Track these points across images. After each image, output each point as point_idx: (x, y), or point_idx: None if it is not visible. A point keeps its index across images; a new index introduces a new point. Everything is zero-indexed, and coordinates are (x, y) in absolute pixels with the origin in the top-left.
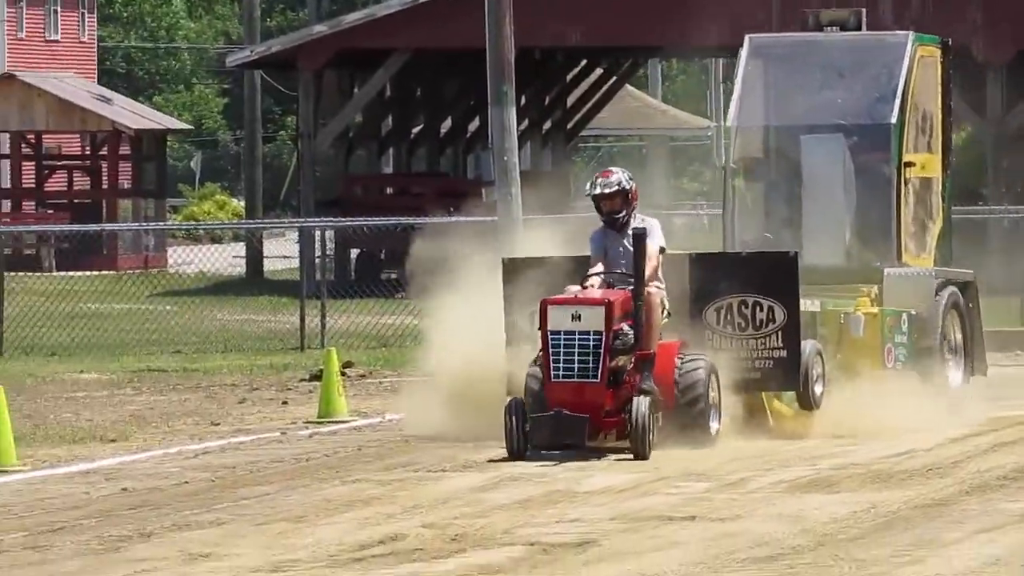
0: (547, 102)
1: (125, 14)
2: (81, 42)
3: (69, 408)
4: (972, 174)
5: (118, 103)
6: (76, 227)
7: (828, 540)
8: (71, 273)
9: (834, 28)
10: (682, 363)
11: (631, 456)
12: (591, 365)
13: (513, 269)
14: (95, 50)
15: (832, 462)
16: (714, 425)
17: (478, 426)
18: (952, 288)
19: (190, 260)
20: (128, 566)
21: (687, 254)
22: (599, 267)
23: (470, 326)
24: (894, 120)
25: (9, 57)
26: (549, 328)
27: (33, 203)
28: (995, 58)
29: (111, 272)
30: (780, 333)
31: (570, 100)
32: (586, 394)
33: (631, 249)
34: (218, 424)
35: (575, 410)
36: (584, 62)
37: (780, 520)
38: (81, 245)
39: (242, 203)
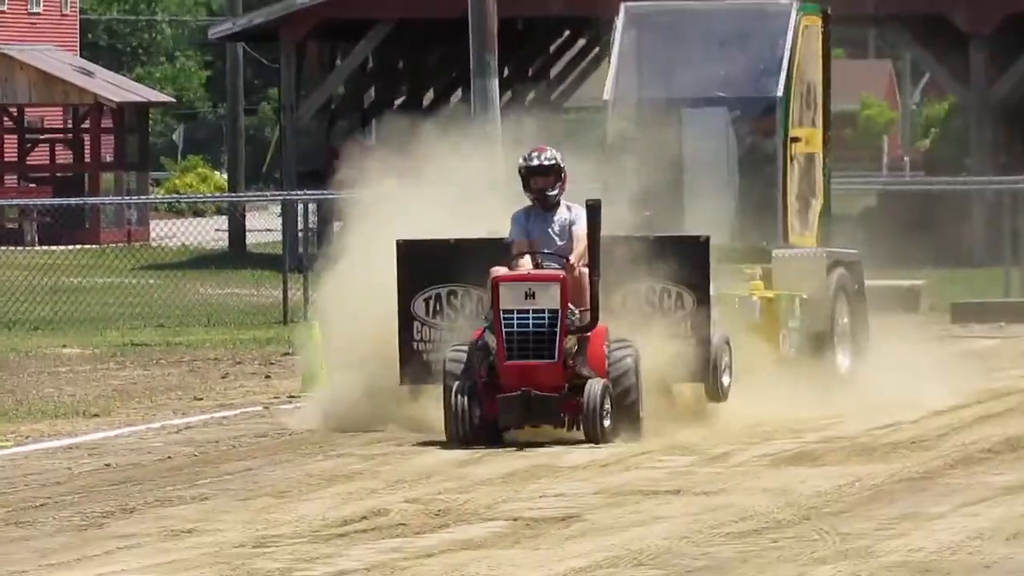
0: (530, 73)
1: None
2: (63, 15)
3: (52, 383)
4: (956, 145)
5: (100, 76)
6: (58, 201)
7: (813, 514)
8: (53, 247)
9: None
10: (610, 351)
11: (583, 441)
12: (547, 344)
13: (408, 252)
14: (77, 23)
15: (817, 435)
16: (642, 414)
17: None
18: (841, 269)
19: (173, 233)
20: (111, 542)
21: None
22: (525, 248)
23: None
24: (780, 93)
25: None
26: (502, 306)
27: (15, 177)
28: (979, 27)
29: (94, 246)
30: (689, 322)
31: (553, 71)
32: (543, 375)
33: (556, 231)
34: (201, 399)
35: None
36: (567, 32)
37: (765, 494)
38: (63, 219)
39: (225, 176)
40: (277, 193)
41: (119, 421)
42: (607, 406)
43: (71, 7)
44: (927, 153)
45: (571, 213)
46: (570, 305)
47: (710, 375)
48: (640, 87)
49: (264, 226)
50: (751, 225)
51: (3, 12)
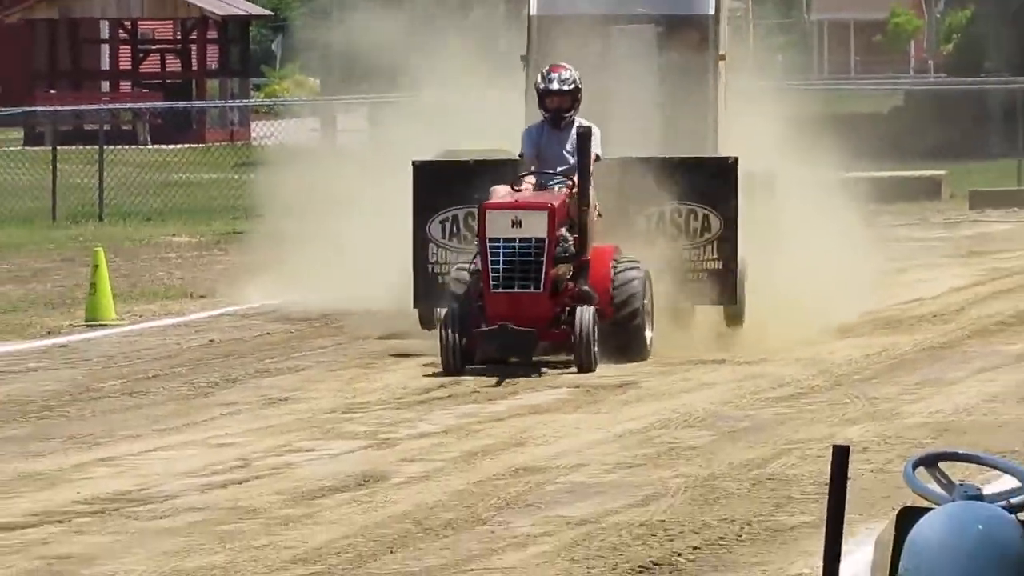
0: None
1: None
2: None
3: (162, 268)
4: (976, 50)
5: None
6: (168, 104)
7: (843, 380)
8: (164, 146)
9: None
10: (616, 272)
11: (575, 370)
12: (532, 273)
13: (424, 173)
14: None
15: (847, 311)
16: (649, 335)
17: None
18: (768, 188)
19: (271, 133)
20: (215, 409)
21: (618, 159)
22: (533, 167)
23: None
24: (712, 10)
25: None
26: (488, 235)
27: (129, 84)
28: None
29: (200, 145)
30: (716, 243)
31: None
32: (528, 305)
33: (569, 150)
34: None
35: (517, 322)
36: None
37: (799, 363)
38: (173, 121)
39: (318, 81)
40: (364, 97)
41: (223, 302)
42: (596, 334)
43: None
44: (949, 57)
45: (588, 125)
46: (563, 231)
47: (736, 298)
48: (564, 3)
49: (354, 127)
50: (682, 143)
51: None
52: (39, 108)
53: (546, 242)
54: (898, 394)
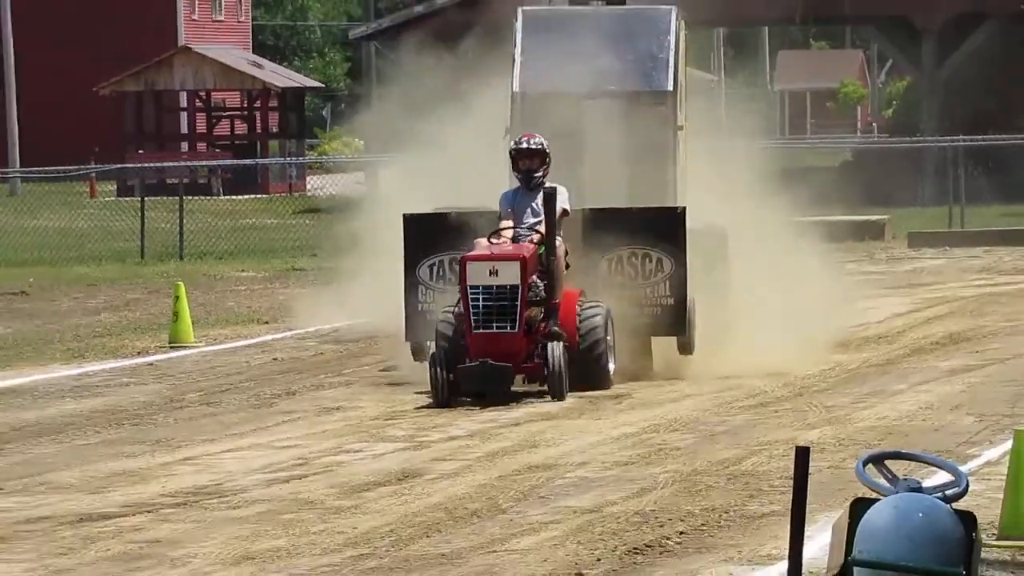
0: None
1: (272, 0)
2: (239, 21)
3: (233, 298)
4: (912, 113)
5: (268, 67)
6: (237, 162)
7: (804, 391)
8: (234, 197)
9: (599, 2)
10: (581, 312)
11: (548, 399)
12: (509, 316)
13: (413, 224)
14: (250, 27)
15: (805, 334)
16: (611, 366)
17: None
18: (721, 240)
19: (323, 186)
20: (278, 416)
21: (580, 209)
22: (509, 223)
23: None
24: (671, 87)
25: (186, 33)
26: (469, 282)
27: (205, 144)
28: (929, 25)
29: (264, 196)
30: (668, 282)
31: None
32: (505, 343)
33: (538, 208)
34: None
35: (495, 358)
36: None
37: (768, 377)
38: (241, 175)
39: (361, 142)
40: (394, 156)
41: (283, 327)
42: (566, 366)
43: (245, 15)
44: (890, 120)
45: (553, 191)
46: (534, 278)
47: (686, 329)
48: (542, 82)
49: (394, 179)
50: (644, 195)
51: (195, 20)
52: (129, 165)
53: (519, 288)
54: (850, 403)
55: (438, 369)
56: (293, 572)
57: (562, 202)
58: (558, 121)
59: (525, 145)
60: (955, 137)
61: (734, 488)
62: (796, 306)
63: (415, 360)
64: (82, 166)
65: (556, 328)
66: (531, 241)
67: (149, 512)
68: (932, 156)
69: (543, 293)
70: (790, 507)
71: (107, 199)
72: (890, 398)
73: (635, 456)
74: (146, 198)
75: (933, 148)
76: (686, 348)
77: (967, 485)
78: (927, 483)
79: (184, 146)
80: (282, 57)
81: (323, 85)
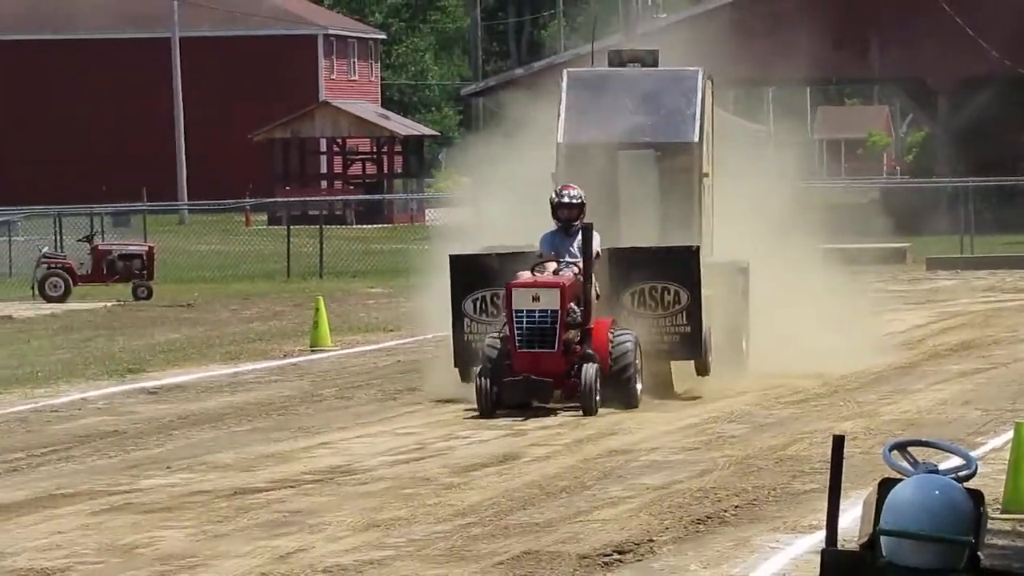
0: None
1: (397, 63)
2: (370, 80)
3: (363, 310)
4: (929, 158)
5: (394, 119)
6: (367, 197)
7: (840, 389)
8: (364, 226)
9: (635, 64)
10: (614, 336)
11: (580, 413)
12: (549, 337)
13: (459, 263)
14: (379, 85)
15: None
16: (639, 387)
17: None
18: (742, 275)
19: (439, 217)
20: (401, 408)
21: (607, 249)
22: (551, 257)
23: None
24: (696, 138)
25: (325, 90)
26: (514, 307)
27: (340, 182)
28: (943, 86)
29: (389, 225)
30: (685, 312)
31: None
32: (545, 361)
33: (574, 250)
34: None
35: (537, 375)
36: None
37: (808, 378)
38: (370, 208)
39: (469, 180)
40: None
41: (406, 334)
42: (598, 385)
43: (375, 75)
44: (910, 164)
45: (590, 222)
46: (571, 305)
47: (702, 354)
48: (584, 133)
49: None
50: (673, 242)
51: (333, 79)
52: (278, 200)
53: (559, 312)
54: (877, 399)
55: (485, 381)
56: (412, 537)
57: (596, 246)
58: (597, 168)
59: (566, 200)
60: (965, 179)
61: (780, 469)
62: (831, 318)
63: (463, 382)
64: (239, 200)
65: (589, 351)
66: (573, 273)
67: (292, 487)
68: (946, 194)
69: (579, 318)
70: (827, 486)
71: (259, 228)
72: (911, 395)
73: (698, 443)
74: (291, 227)
75: (947, 187)
76: (703, 370)
77: (976, 468)
78: (943, 466)
79: (323, 184)
80: (405, 110)
81: (439, 133)
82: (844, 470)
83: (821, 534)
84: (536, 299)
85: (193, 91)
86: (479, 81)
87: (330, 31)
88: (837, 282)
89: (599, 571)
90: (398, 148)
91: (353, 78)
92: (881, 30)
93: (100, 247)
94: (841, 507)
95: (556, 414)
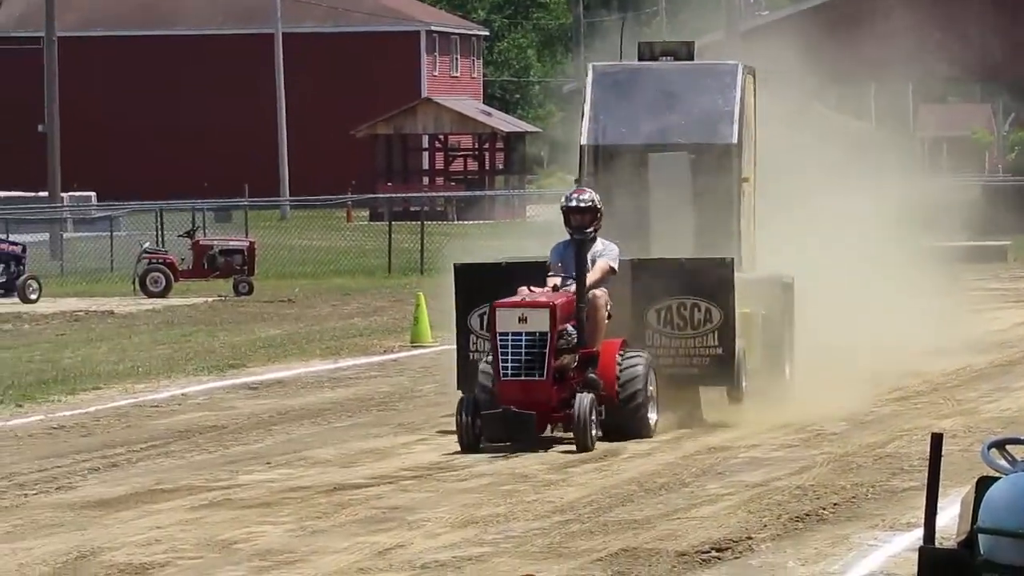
0: None
1: (499, 59)
2: (472, 77)
3: None
4: None
5: (495, 115)
6: (469, 193)
7: (940, 387)
8: (465, 222)
9: (668, 57)
10: (623, 359)
11: (574, 448)
12: (537, 363)
13: (464, 274)
14: (481, 82)
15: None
16: (652, 416)
17: None
18: (785, 290)
19: (540, 213)
20: None
21: (630, 260)
22: (556, 274)
23: None
24: (735, 140)
25: (428, 87)
26: (498, 329)
27: (442, 178)
28: None
29: (491, 221)
30: (716, 332)
31: None
32: (533, 391)
33: (590, 260)
34: None
35: (523, 406)
36: None
37: (908, 376)
38: (472, 205)
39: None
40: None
41: None
42: (593, 417)
43: (477, 72)
44: (1012, 161)
45: (603, 248)
46: (567, 326)
47: (734, 379)
48: (610, 134)
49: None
50: (708, 254)
51: (435, 76)
52: (380, 195)
53: (549, 335)
54: (977, 397)
55: (464, 415)
56: (510, 534)
57: (611, 259)
58: (625, 173)
59: (575, 203)
60: None
61: (879, 467)
62: (932, 316)
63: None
64: (340, 196)
65: (593, 376)
66: (566, 290)
67: (391, 483)
68: None
69: (574, 340)
70: (926, 483)
71: (360, 223)
72: (1011, 393)
73: (797, 440)
74: (392, 223)
75: None
76: (736, 398)
77: None
78: None
79: (425, 180)
80: (507, 107)
81: (541, 130)
82: (943, 468)
83: (919, 532)
84: (523, 320)
85: (295, 87)
86: (577, 77)
87: (433, 27)
88: (938, 281)
89: (697, 568)
90: (500, 145)
91: (455, 74)
92: (984, 27)
93: (201, 242)
94: (939, 505)
95: (548, 449)
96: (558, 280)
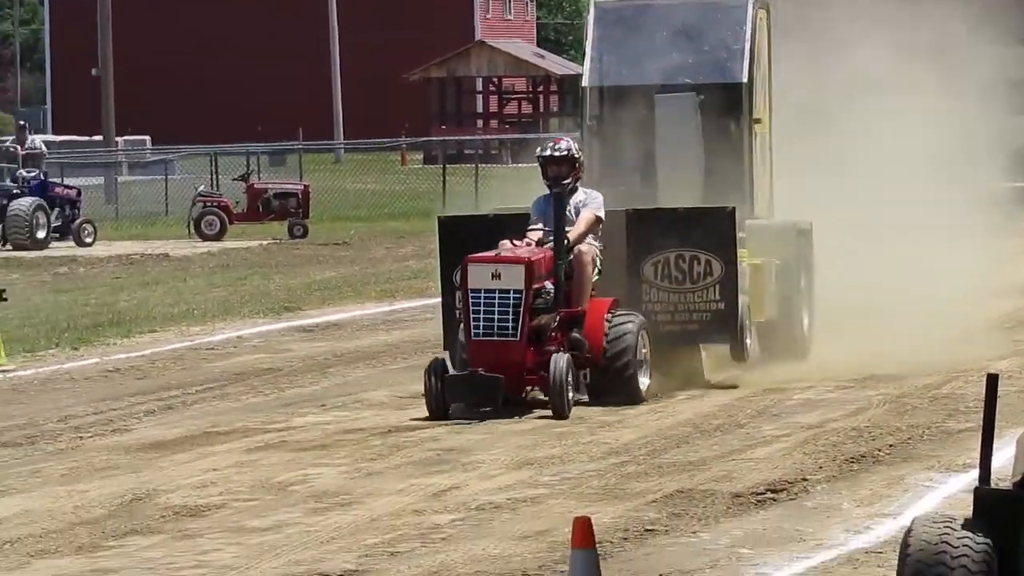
0: None
1: (553, 2)
2: (526, 20)
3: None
4: None
5: (549, 58)
6: (522, 135)
7: (995, 329)
8: (520, 165)
9: None
10: (611, 324)
11: (550, 413)
12: (511, 323)
13: (448, 226)
14: (535, 24)
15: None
16: (644, 380)
17: None
18: (801, 237)
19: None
20: None
21: (624, 210)
22: (538, 227)
23: None
24: (745, 79)
25: (482, 29)
26: (469, 286)
27: (496, 121)
28: None
29: None
30: (718, 286)
31: None
32: (506, 352)
33: (572, 212)
34: None
35: (495, 368)
36: None
37: (966, 318)
38: (526, 147)
39: None
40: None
41: None
42: (570, 379)
43: (531, 14)
44: None
45: (586, 197)
46: (546, 283)
47: (736, 335)
48: (614, 75)
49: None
50: (719, 199)
51: (488, 18)
52: (434, 138)
53: (523, 293)
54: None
55: (432, 378)
56: (565, 475)
57: (595, 208)
58: (629, 116)
59: (550, 153)
60: None
61: (935, 408)
62: (989, 257)
63: (453, 368)
64: (394, 139)
65: (577, 336)
66: (550, 245)
67: (446, 425)
68: None
69: (552, 299)
70: (982, 424)
71: (415, 166)
72: None
73: (852, 381)
74: (447, 165)
75: None
76: (739, 356)
77: None
78: None
79: (479, 123)
80: (561, 49)
81: None
82: (998, 409)
83: (975, 473)
84: (496, 276)
85: (349, 30)
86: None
87: None
88: (995, 222)
89: (752, 509)
90: (554, 87)
91: (508, 17)
92: None
93: (256, 186)
94: (995, 446)
95: (522, 416)
96: (540, 234)
